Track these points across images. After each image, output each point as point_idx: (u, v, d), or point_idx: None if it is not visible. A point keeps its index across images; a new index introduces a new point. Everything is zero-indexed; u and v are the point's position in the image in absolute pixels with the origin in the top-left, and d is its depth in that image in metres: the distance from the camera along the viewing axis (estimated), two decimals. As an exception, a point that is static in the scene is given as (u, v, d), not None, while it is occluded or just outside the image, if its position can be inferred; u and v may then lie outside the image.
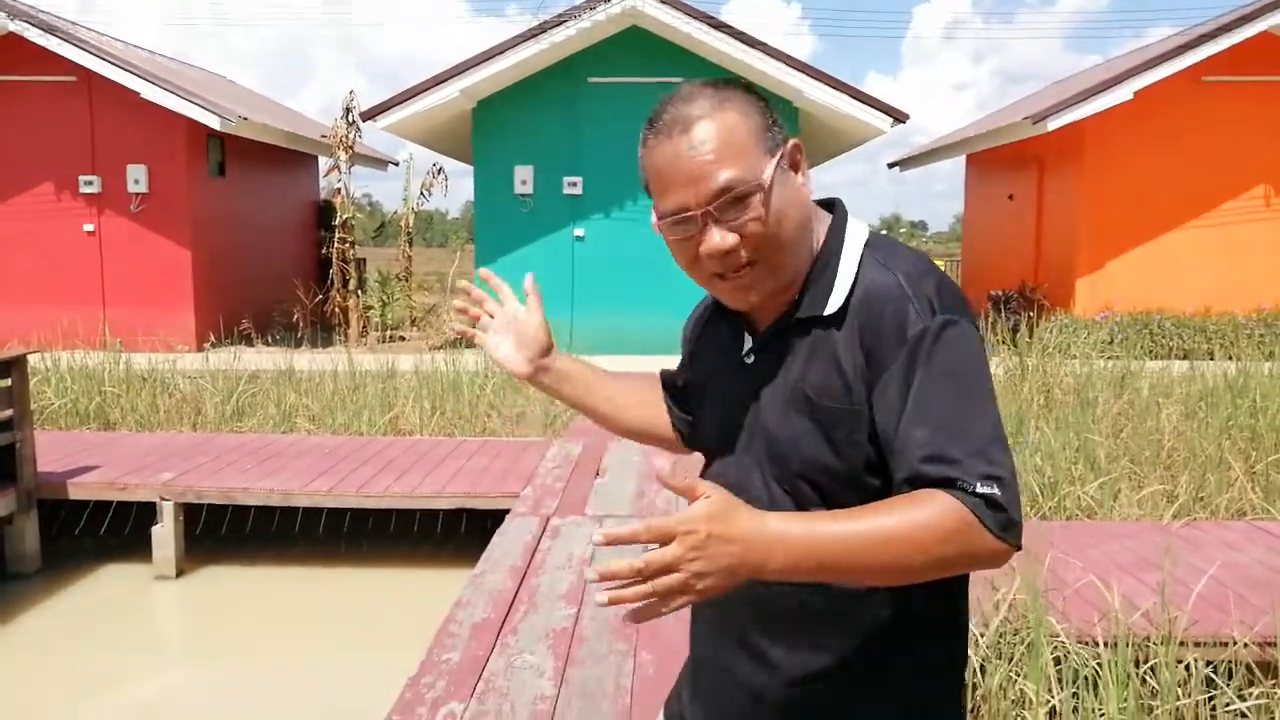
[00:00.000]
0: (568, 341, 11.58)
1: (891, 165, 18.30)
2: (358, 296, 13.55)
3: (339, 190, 13.59)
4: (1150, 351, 11.17)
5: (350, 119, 13.39)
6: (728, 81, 1.27)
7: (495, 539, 4.88)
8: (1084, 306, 12.09)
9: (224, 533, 6.37)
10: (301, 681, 4.78)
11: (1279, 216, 12.21)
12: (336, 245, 13.50)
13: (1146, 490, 5.53)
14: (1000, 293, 13.50)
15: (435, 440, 7.25)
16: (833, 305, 1.23)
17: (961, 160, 17.29)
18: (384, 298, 14.42)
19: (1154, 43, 14.22)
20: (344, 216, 13.52)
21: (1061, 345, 10.62)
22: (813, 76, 11.35)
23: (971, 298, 15.56)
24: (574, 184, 12.17)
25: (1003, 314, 12.40)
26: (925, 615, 1.27)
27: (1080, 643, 3.24)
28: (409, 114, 11.62)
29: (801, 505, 1.24)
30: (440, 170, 14.90)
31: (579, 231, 12.27)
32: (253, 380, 8.78)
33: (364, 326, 13.51)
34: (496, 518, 5.35)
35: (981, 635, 3.23)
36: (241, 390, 8.41)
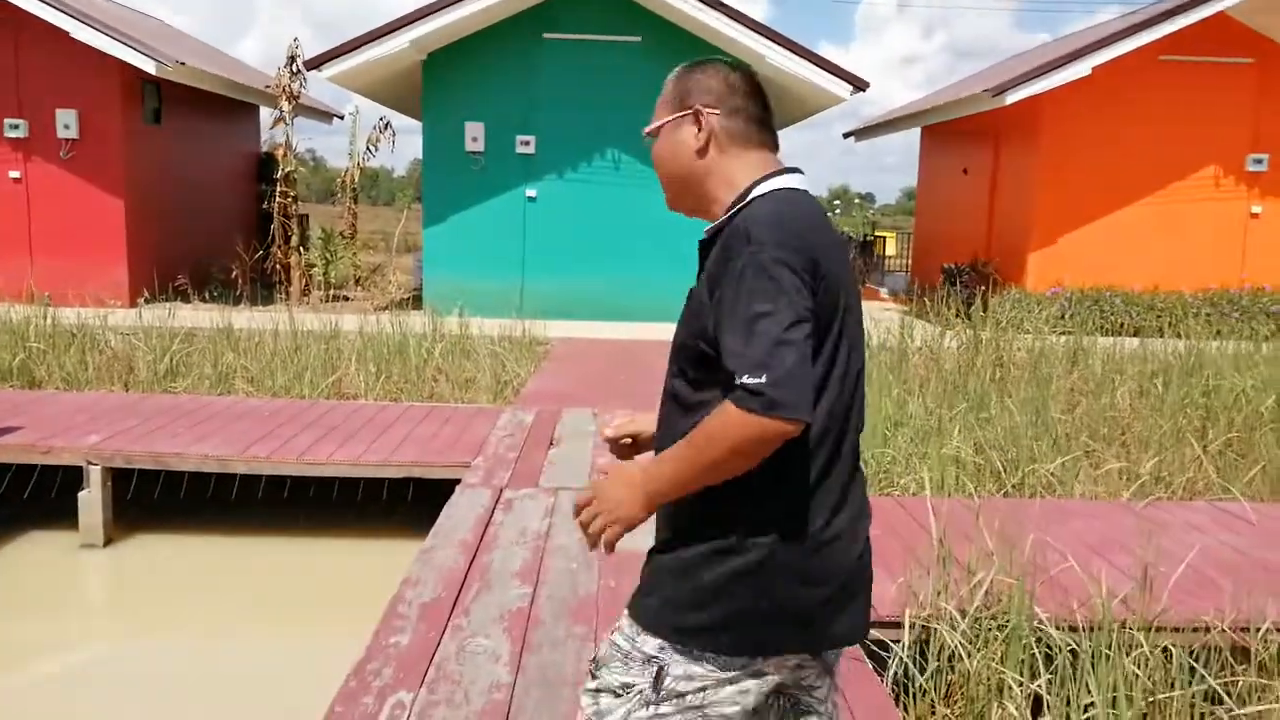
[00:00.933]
0: (518, 305, 11.31)
1: (848, 135, 18.18)
2: (300, 253, 13.10)
3: (282, 143, 13.09)
4: (1101, 327, 11.24)
5: (295, 68, 12.87)
6: (704, 61, 1.75)
7: (445, 511, 4.66)
8: (1035, 282, 12.12)
9: (156, 499, 6.05)
10: (237, 658, 4.54)
11: (1227, 197, 12.34)
12: (278, 200, 13.02)
13: (1105, 468, 5.48)
14: (953, 265, 13.49)
15: (381, 405, 6.98)
16: (709, 232, 1.66)
17: (913, 134, 17.23)
18: (327, 255, 13.98)
19: (1108, 20, 14.21)
20: (286, 170, 13.05)
21: (1014, 320, 10.63)
22: (774, 40, 11.13)
23: (924, 269, 15.59)
24: (527, 143, 11.84)
25: (956, 287, 12.39)
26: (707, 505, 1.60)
27: (1059, 628, 3.13)
28: (356, 64, 11.16)
29: (673, 379, 1.67)
30: (388, 125, 14.47)
31: (531, 192, 11.95)
32: (188, 339, 8.41)
33: (306, 285, 13.07)
34: (446, 488, 5.13)
35: (961, 618, 3.11)
36: (176, 349, 8.03)
